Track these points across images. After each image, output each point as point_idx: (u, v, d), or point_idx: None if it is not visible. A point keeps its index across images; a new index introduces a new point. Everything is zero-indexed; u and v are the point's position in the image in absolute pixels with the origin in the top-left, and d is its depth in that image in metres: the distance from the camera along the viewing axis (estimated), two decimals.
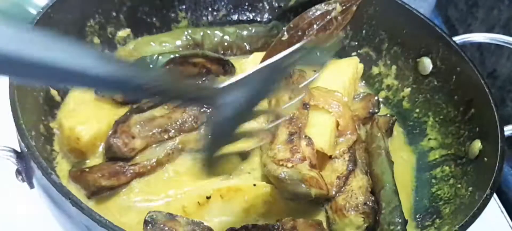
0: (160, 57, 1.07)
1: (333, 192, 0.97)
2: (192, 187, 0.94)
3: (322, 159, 1.01)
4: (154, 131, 0.96)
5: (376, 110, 1.19)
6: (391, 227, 0.91)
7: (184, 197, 0.92)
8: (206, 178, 0.93)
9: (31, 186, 0.88)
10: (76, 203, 0.72)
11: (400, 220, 0.92)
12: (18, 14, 1.47)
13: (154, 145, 0.97)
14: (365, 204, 0.94)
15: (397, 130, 1.23)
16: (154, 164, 0.96)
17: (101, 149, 0.97)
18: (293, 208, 0.95)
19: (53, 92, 1.03)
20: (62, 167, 0.97)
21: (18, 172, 0.87)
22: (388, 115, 1.21)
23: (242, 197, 0.92)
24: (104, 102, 1.06)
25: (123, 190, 0.93)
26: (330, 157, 1.02)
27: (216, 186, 0.92)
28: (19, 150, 0.86)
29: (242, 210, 0.92)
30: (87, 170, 0.91)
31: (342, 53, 1.32)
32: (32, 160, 0.78)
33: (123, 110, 1.04)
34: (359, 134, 1.10)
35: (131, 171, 0.93)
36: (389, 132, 1.17)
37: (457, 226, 0.83)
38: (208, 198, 0.90)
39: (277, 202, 0.94)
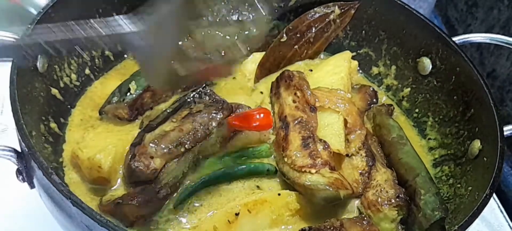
0: None
1: (360, 189, 0.97)
2: (220, 205, 0.94)
3: (337, 159, 1.00)
4: (170, 147, 0.94)
5: (375, 101, 1.20)
6: (435, 213, 0.92)
7: (213, 216, 0.91)
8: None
9: (32, 186, 0.88)
10: (76, 203, 0.72)
11: (443, 206, 0.94)
12: (18, 14, 1.47)
13: (172, 160, 0.95)
14: (397, 197, 0.95)
15: None
16: (182, 179, 0.95)
17: (121, 172, 0.96)
18: (319, 211, 0.95)
19: (54, 91, 1.03)
20: (71, 176, 0.97)
21: (18, 172, 0.87)
22: (385, 104, 1.21)
23: (268, 208, 0.92)
24: (109, 122, 1.06)
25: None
26: (347, 155, 1.01)
27: (243, 201, 0.92)
28: (19, 150, 0.86)
29: (270, 220, 0.93)
30: (120, 201, 0.87)
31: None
32: (32, 160, 0.78)
33: (130, 128, 1.05)
34: (367, 127, 1.10)
35: (164, 193, 0.91)
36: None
37: (456, 226, 0.83)
38: (237, 215, 0.90)
39: (303, 208, 0.94)
